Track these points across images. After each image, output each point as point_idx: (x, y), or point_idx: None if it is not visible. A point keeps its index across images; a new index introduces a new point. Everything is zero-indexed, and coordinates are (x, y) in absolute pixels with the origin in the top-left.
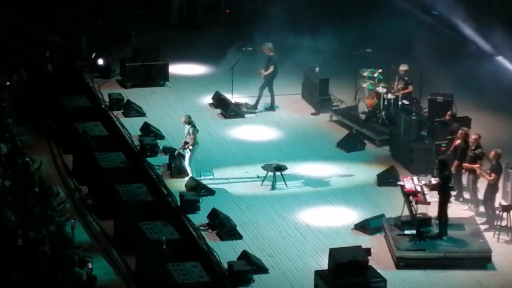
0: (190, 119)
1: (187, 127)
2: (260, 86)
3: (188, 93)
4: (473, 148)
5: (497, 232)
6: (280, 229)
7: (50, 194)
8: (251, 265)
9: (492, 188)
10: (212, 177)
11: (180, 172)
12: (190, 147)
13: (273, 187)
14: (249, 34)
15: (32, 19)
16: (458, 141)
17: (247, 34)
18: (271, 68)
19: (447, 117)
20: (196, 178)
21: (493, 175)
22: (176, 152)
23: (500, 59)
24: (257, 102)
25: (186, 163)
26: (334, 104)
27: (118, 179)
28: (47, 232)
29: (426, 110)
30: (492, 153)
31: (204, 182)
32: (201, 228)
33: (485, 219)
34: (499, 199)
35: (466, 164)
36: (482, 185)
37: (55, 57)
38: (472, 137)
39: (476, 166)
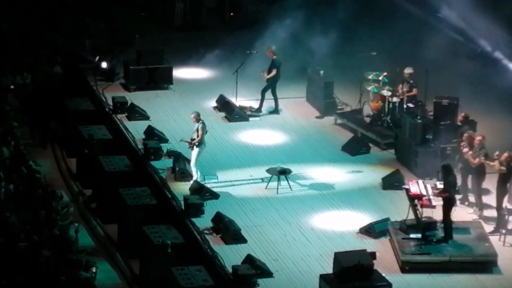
0: (199, 116)
1: (196, 124)
2: (262, 89)
3: (192, 96)
4: (477, 149)
5: (502, 236)
6: (284, 232)
7: (54, 198)
8: (255, 269)
9: (500, 189)
10: (216, 180)
11: (184, 175)
12: (197, 144)
13: (278, 191)
14: (254, 36)
15: (36, 21)
16: (465, 149)
17: (251, 37)
18: (274, 72)
19: (460, 118)
20: (201, 181)
21: (503, 167)
22: (180, 140)
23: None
24: (260, 105)
25: (192, 163)
26: (339, 107)
27: (122, 182)
28: (50, 236)
29: (431, 113)
30: (505, 155)
31: (208, 185)
32: (205, 231)
33: (493, 222)
34: (505, 203)
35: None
36: (486, 188)
37: (57, 60)
38: (477, 138)
39: (493, 163)
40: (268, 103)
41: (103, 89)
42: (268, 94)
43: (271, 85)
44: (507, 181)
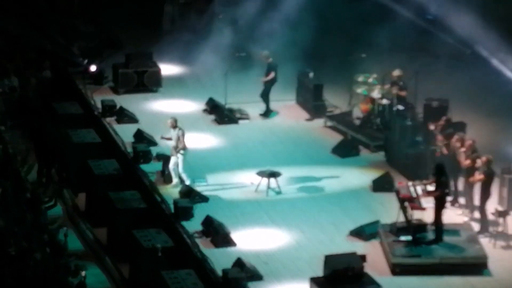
0: (176, 123)
1: (174, 131)
2: (261, 93)
3: (181, 99)
4: (469, 153)
5: (493, 238)
6: (274, 235)
7: (42, 202)
8: (245, 272)
9: (484, 192)
10: (206, 183)
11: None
12: (181, 152)
13: (267, 193)
14: (242, 39)
15: (25, 25)
16: (462, 148)
17: (240, 40)
18: (272, 74)
19: (441, 122)
20: (190, 185)
21: (482, 175)
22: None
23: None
24: (267, 108)
25: (180, 169)
26: (329, 109)
27: (112, 186)
28: (39, 240)
29: (421, 115)
30: (484, 159)
31: (198, 188)
32: (195, 235)
33: (480, 225)
34: (495, 205)
35: (473, 179)
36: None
37: (46, 64)
38: (467, 143)
39: (480, 177)
40: (259, 106)
41: (92, 93)
42: (255, 97)
43: (269, 87)
44: (489, 184)
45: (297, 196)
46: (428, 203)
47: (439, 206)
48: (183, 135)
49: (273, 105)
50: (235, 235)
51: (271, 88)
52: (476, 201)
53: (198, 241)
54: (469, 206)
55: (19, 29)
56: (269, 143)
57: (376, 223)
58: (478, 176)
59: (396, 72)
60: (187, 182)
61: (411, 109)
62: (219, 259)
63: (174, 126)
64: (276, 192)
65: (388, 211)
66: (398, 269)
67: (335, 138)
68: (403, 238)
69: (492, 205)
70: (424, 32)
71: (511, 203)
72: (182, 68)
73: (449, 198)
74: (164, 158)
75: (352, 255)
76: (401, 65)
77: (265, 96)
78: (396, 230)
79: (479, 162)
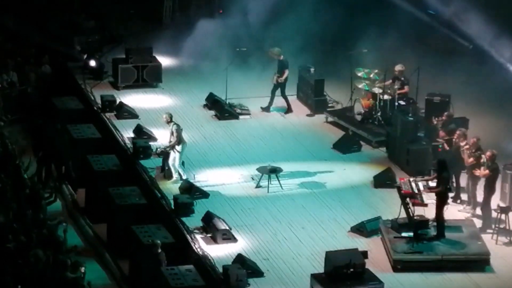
0: (171, 118)
1: (169, 126)
2: (281, 92)
3: (181, 94)
4: (473, 151)
5: (495, 234)
6: (275, 231)
7: (41, 198)
8: (246, 268)
9: (489, 188)
10: (206, 179)
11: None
12: (177, 148)
13: (268, 189)
14: (243, 33)
15: (24, 20)
16: (466, 146)
17: (241, 34)
18: (286, 72)
19: (443, 117)
20: (188, 179)
21: (487, 171)
22: (159, 150)
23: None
24: (288, 106)
25: (177, 164)
26: (330, 105)
27: (111, 182)
28: (38, 236)
29: (423, 110)
30: (488, 153)
31: (198, 184)
32: (195, 231)
33: (482, 221)
34: (497, 201)
35: (479, 172)
36: (481, 187)
37: (45, 59)
38: (471, 141)
39: (485, 172)
40: (260, 101)
41: (92, 88)
42: (256, 92)
43: (284, 85)
44: (495, 180)
45: (298, 192)
46: (430, 199)
47: (441, 202)
48: (177, 130)
49: (273, 100)
50: (235, 231)
51: (279, 86)
52: (479, 197)
53: (198, 237)
54: (472, 202)
55: (19, 24)
56: (270, 139)
57: (377, 219)
58: (483, 171)
59: (398, 67)
60: (185, 177)
61: (413, 105)
62: (220, 255)
63: (169, 121)
64: (276, 188)
65: (390, 207)
66: (399, 266)
67: (336, 133)
68: (404, 234)
69: (494, 201)
70: (426, 27)
71: None
72: (182, 63)
73: (451, 194)
74: (164, 154)
75: (353, 251)
76: (402, 60)
77: (285, 94)
78: (397, 226)
79: (483, 158)
